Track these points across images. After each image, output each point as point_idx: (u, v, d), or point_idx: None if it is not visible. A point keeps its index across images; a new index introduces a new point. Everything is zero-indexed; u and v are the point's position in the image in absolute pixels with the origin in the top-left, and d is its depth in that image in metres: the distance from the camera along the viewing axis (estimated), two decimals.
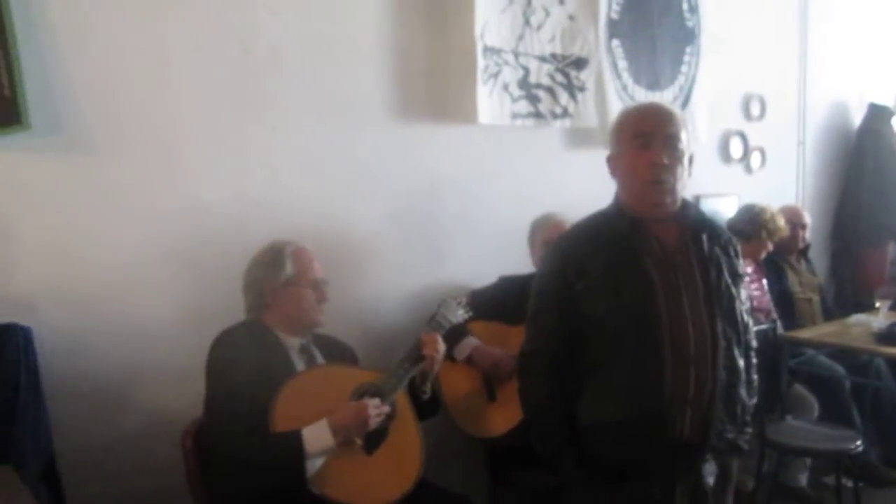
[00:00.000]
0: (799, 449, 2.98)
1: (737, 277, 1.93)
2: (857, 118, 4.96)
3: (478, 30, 2.86)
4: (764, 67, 4.30)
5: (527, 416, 1.97)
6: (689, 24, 3.70)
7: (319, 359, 2.21)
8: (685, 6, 3.67)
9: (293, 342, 2.16)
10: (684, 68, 3.70)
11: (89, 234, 2.25)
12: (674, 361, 1.78)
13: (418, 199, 2.92)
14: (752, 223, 3.58)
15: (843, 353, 3.61)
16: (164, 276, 2.38)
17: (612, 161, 1.94)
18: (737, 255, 1.96)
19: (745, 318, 1.92)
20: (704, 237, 1.88)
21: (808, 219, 3.97)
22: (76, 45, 2.20)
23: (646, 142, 1.84)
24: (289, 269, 2.12)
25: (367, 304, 2.80)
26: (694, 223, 1.90)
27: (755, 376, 1.98)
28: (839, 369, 3.58)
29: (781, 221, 3.62)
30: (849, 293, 4.73)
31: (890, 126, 4.89)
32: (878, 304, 3.51)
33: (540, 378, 1.91)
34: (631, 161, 1.87)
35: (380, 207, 2.82)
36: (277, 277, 2.11)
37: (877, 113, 4.87)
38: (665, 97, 3.62)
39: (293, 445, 1.87)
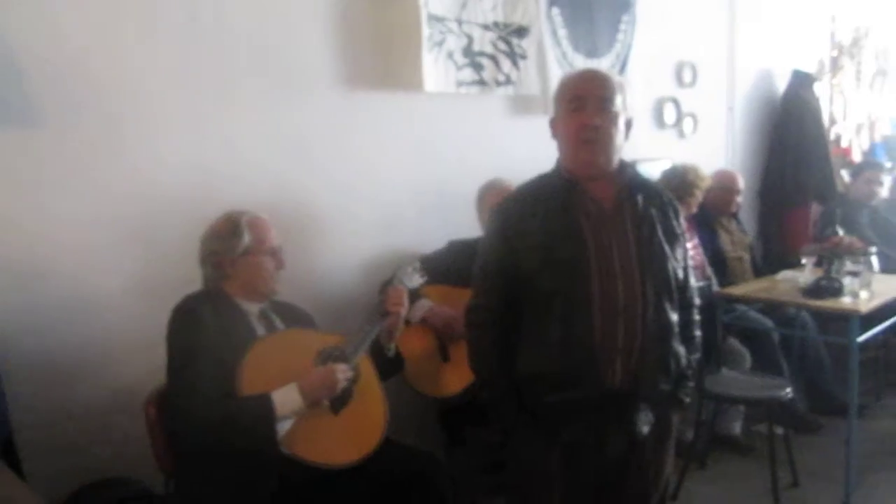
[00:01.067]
0: (734, 398, 3.15)
1: (672, 237, 2.00)
2: (781, 85, 5.18)
3: None
4: (695, 36, 4.45)
5: (472, 365, 2.04)
6: None
7: (279, 324, 2.24)
8: None
9: (252, 308, 2.19)
10: (620, 36, 3.80)
11: (36, 207, 2.23)
12: (602, 313, 1.87)
13: (367, 168, 2.95)
14: (683, 183, 3.72)
15: (772, 308, 3.82)
16: (115, 249, 2.37)
17: (552, 124, 2.01)
18: (676, 216, 2.03)
19: (681, 275, 2.00)
20: (640, 197, 1.96)
21: (742, 184, 4.14)
22: (18, 17, 2.15)
23: (580, 105, 1.91)
24: (246, 238, 2.14)
25: (320, 272, 2.84)
26: (630, 183, 1.97)
27: (697, 332, 2.08)
28: (768, 323, 3.79)
29: (705, 173, 3.78)
30: (775, 251, 4.95)
31: (812, 92, 5.12)
32: (803, 261, 3.70)
33: (484, 330, 1.98)
34: (566, 123, 1.94)
35: (330, 176, 2.85)
36: (235, 247, 2.14)
37: (800, 79, 5.09)
38: (603, 64, 3.72)
39: (264, 408, 1.91)
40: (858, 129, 5.94)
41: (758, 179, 5.13)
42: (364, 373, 2.16)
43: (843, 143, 5.76)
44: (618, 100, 1.93)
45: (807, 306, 3.39)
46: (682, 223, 2.06)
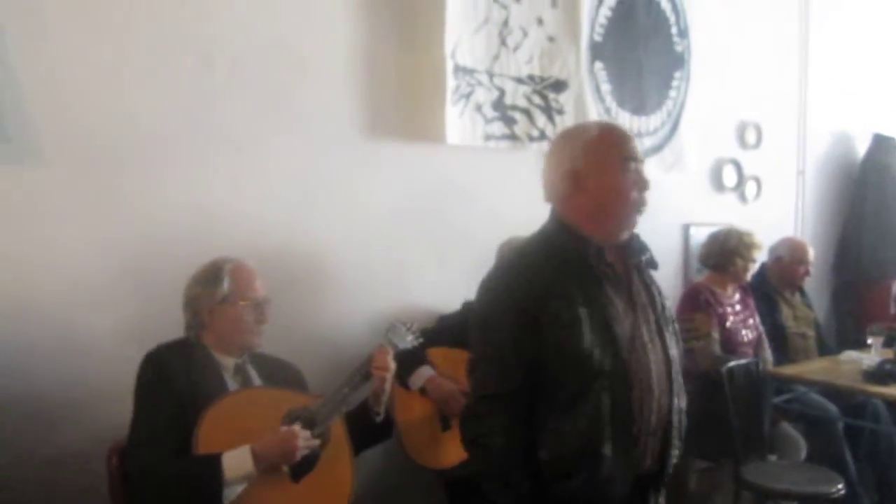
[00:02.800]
0: (773, 491, 2.82)
1: (666, 301, 1.86)
2: (860, 149, 4.84)
3: (448, 49, 2.80)
4: (761, 94, 4.21)
5: (481, 468, 1.72)
6: (679, 48, 3.62)
7: (256, 380, 2.12)
8: (674, 30, 3.59)
9: (228, 362, 2.08)
10: (673, 93, 3.61)
11: (30, 241, 2.18)
12: (640, 392, 1.68)
13: (384, 220, 2.84)
14: (722, 253, 3.45)
15: (836, 392, 3.46)
16: (111, 290, 2.31)
17: (571, 176, 1.73)
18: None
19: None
20: (644, 260, 1.81)
21: (812, 256, 3.82)
22: (27, 52, 2.16)
23: (636, 167, 1.75)
24: (226, 286, 2.05)
25: (325, 328, 2.72)
26: (635, 247, 1.80)
27: None
28: (832, 408, 3.43)
29: (753, 238, 3.47)
30: (850, 330, 4.56)
31: (895, 157, 4.76)
32: (870, 341, 3.36)
33: (497, 425, 1.66)
34: (618, 181, 1.72)
35: (344, 227, 2.75)
36: (213, 295, 2.04)
37: (881, 143, 4.75)
38: (652, 122, 3.54)
39: (212, 470, 1.78)
40: None
41: (832, 251, 4.77)
42: (335, 438, 2.00)
43: None
44: None
45: (867, 392, 3.04)
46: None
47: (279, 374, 2.19)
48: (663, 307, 1.79)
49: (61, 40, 2.21)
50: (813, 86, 4.52)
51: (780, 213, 4.41)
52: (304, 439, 1.87)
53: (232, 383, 2.05)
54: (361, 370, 2.09)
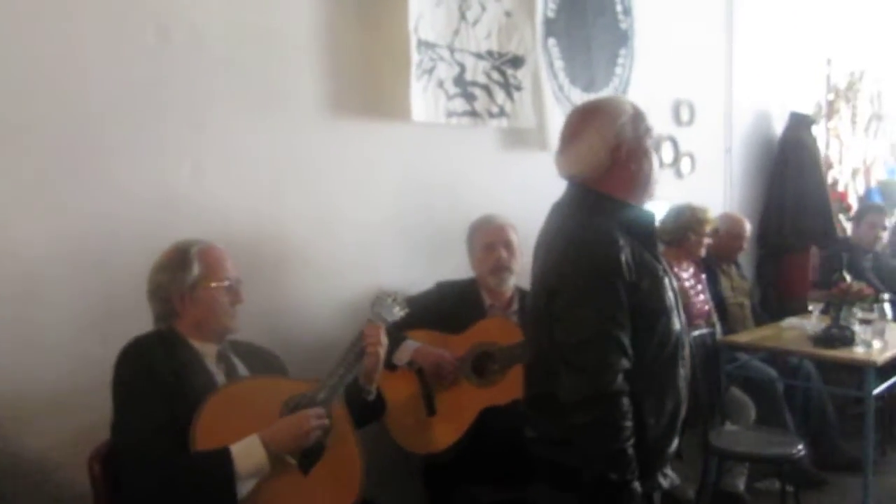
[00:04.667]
0: (743, 455, 2.92)
1: None
2: (779, 126, 5.05)
3: (412, 23, 2.72)
4: (693, 74, 4.32)
5: (611, 445, 1.64)
6: (623, 25, 3.66)
7: (240, 368, 2.00)
8: (619, 7, 3.63)
9: (208, 349, 1.95)
10: (618, 70, 3.65)
11: None
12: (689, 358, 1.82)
13: (349, 201, 2.74)
14: (676, 228, 3.55)
15: (773, 357, 3.62)
16: (68, 280, 2.12)
17: (619, 150, 1.75)
18: None
19: None
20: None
21: (748, 230, 3.98)
22: None
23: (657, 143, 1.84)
24: (195, 270, 1.91)
25: (295, 312, 2.61)
26: None
27: None
28: (772, 372, 3.59)
29: (706, 214, 3.59)
30: (773, 297, 4.78)
31: (811, 134, 5.00)
32: (810, 308, 3.53)
33: (624, 400, 1.64)
34: (650, 159, 1.82)
35: (309, 209, 2.63)
36: (183, 281, 1.90)
37: (798, 121, 4.97)
38: None
39: (221, 464, 1.67)
40: (854, 173, 5.84)
41: (755, 224, 4.97)
42: (337, 422, 1.91)
43: (840, 188, 5.65)
44: None
45: (818, 356, 3.19)
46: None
47: (260, 360, 2.09)
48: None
49: (8, 9, 2.00)
50: (738, 67, 4.67)
51: (710, 188, 4.55)
52: (315, 417, 1.78)
53: (217, 372, 1.93)
54: (354, 348, 2.00)
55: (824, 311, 3.52)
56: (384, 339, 2.03)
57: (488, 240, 2.71)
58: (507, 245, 2.71)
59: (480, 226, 2.77)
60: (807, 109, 5.19)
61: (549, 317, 1.72)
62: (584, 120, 1.84)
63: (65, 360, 2.11)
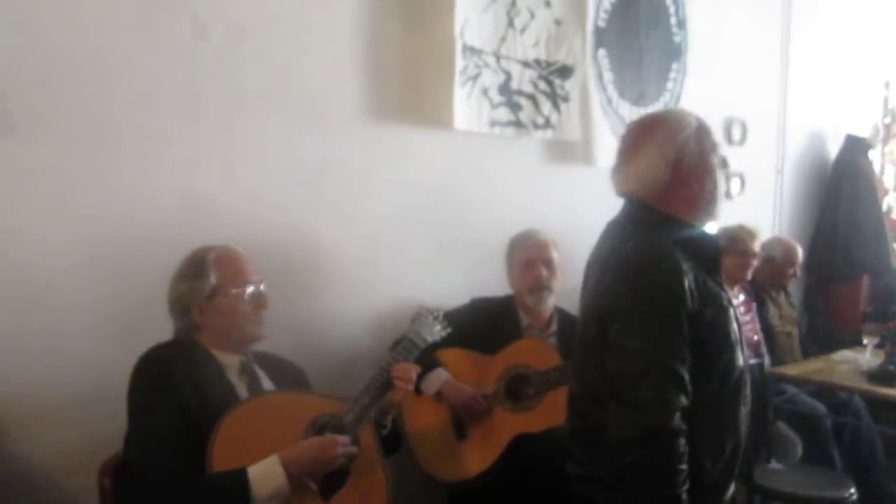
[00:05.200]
0: (791, 496, 2.73)
1: None
2: (833, 149, 4.85)
3: (458, 27, 2.61)
4: (746, 91, 4.14)
5: (666, 488, 1.51)
6: (677, 38, 3.51)
7: (265, 381, 1.90)
8: (673, 20, 3.48)
9: (231, 360, 1.85)
10: (670, 85, 3.50)
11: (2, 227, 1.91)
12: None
13: (386, 210, 2.63)
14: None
15: (821, 391, 3.43)
16: (90, 287, 2.04)
17: (681, 167, 1.65)
18: None
19: None
20: None
21: (801, 256, 3.81)
22: None
23: (722, 157, 1.75)
24: (213, 278, 1.81)
25: (322, 322, 2.50)
26: None
27: None
28: (821, 408, 3.40)
29: (740, 233, 3.43)
30: (821, 328, 4.57)
31: (867, 158, 4.79)
32: (865, 342, 3.34)
33: (681, 441, 1.51)
34: (716, 173, 1.72)
35: (343, 216, 2.52)
36: (201, 290, 1.80)
37: (854, 144, 4.75)
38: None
39: (238, 487, 1.55)
40: None
41: (804, 249, 4.77)
42: (365, 448, 1.79)
43: (894, 215, 5.42)
44: None
45: (873, 393, 2.99)
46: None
47: (286, 374, 1.98)
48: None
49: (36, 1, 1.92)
50: (792, 86, 4.49)
51: (760, 210, 4.36)
52: (343, 446, 1.67)
53: (239, 385, 1.82)
54: (382, 376, 1.88)
55: (879, 346, 3.32)
56: (414, 376, 1.91)
57: (528, 256, 2.58)
58: (548, 263, 2.57)
59: (521, 241, 2.64)
60: (863, 133, 4.97)
61: (600, 344, 1.58)
62: (643, 133, 1.72)
63: (86, 368, 2.02)
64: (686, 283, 1.53)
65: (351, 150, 2.52)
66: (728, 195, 4.05)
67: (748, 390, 1.68)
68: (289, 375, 1.97)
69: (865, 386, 2.96)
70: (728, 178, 4.00)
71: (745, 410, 1.66)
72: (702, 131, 1.71)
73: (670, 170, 1.64)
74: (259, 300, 1.87)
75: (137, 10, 2.07)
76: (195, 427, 1.64)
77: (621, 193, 1.74)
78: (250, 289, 1.85)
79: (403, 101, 2.62)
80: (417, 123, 2.66)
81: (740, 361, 1.64)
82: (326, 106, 2.46)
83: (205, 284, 1.81)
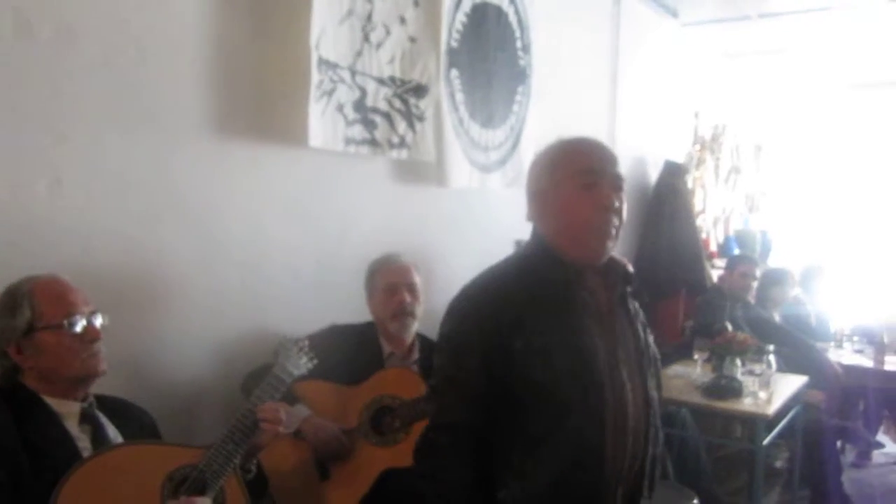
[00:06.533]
0: None
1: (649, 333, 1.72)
2: (654, 174, 5.17)
3: (314, 38, 2.46)
4: (579, 117, 4.31)
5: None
6: (522, 62, 3.57)
7: (110, 430, 1.66)
8: (519, 44, 3.54)
9: (69, 408, 1.61)
10: (516, 108, 3.55)
11: None
12: (614, 434, 1.52)
13: (234, 231, 2.43)
14: None
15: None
16: None
17: (538, 197, 1.63)
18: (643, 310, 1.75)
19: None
20: (629, 290, 1.65)
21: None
22: None
23: (594, 180, 1.57)
24: (27, 312, 1.58)
25: (165, 356, 2.24)
26: (618, 274, 1.65)
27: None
28: None
29: None
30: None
31: (683, 181, 5.15)
32: (696, 357, 3.54)
33: (458, 458, 1.52)
34: (575, 201, 1.57)
35: (187, 238, 2.29)
36: (15, 327, 1.57)
37: (672, 169, 5.10)
38: (498, 136, 3.44)
39: None
40: (715, 222, 6.10)
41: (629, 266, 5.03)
42: (231, 500, 1.61)
43: (703, 235, 5.87)
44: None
45: (709, 408, 3.17)
46: None
47: (131, 419, 1.77)
48: (647, 344, 1.65)
49: None
50: (620, 113, 4.74)
51: None
52: None
53: (81, 437, 1.58)
54: (245, 420, 1.70)
55: (707, 360, 3.54)
56: (283, 416, 1.76)
57: (390, 280, 2.48)
58: (411, 288, 2.49)
59: (382, 265, 2.54)
60: (679, 158, 5.35)
61: None
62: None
63: None
64: (491, 314, 1.56)
65: (196, 166, 2.30)
66: None
67: (578, 434, 1.61)
68: (136, 421, 1.75)
69: (701, 400, 3.12)
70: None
71: (564, 451, 1.61)
72: (553, 160, 1.68)
73: (532, 200, 1.68)
74: (90, 331, 1.65)
75: None
76: (27, 491, 1.39)
77: None
78: (78, 321, 1.61)
79: (254, 114, 2.43)
80: (268, 139, 2.48)
81: (563, 397, 1.58)
82: (169, 118, 2.22)
83: (18, 320, 1.58)
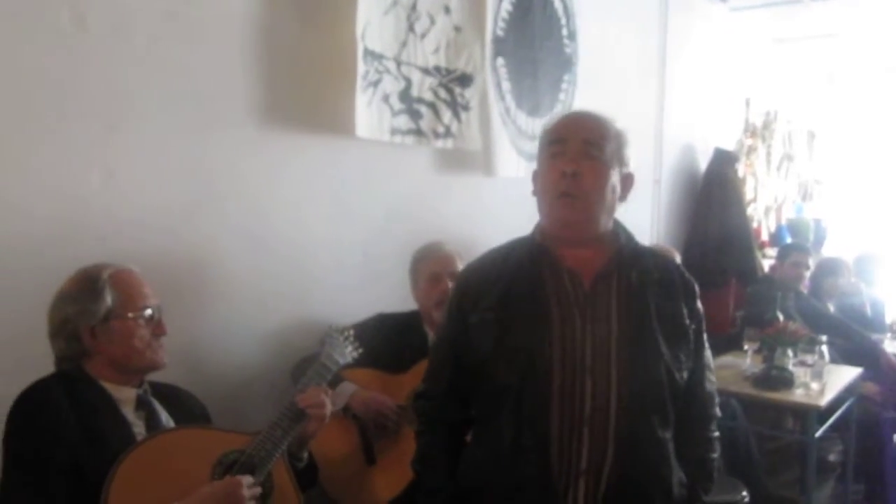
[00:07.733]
0: None
1: (676, 329, 1.59)
2: (703, 161, 5.08)
3: (359, 29, 2.48)
4: (628, 104, 4.24)
5: (414, 465, 1.74)
6: (568, 50, 3.54)
7: (163, 415, 1.70)
8: (565, 31, 3.51)
9: (126, 394, 1.65)
10: (562, 96, 3.53)
11: None
12: (562, 420, 1.49)
13: (280, 220, 2.46)
14: None
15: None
16: None
17: (534, 178, 1.67)
18: (689, 302, 1.66)
19: (680, 379, 1.56)
20: (634, 274, 1.58)
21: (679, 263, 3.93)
22: None
23: (560, 149, 1.56)
24: (108, 299, 1.62)
25: (214, 344, 2.29)
26: (622, 255, 1.60)
27: (709, 454, 1.67)
28: None
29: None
30: None
31: (734, 169, 5.05)
32: (746, 347, 3.48)
33: (431, 424, 1.70)
34: (543, 172, 1.60)
35: (236, 227, 2.33)
36: (94, 312, 1.60)
37: (722, 157, 5.01)
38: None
39: None
40: (767, 210, 5.97)
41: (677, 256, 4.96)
42: (280, 485, 1.64)
43: (754, 225, 5.75)
44: (609, 147, 1.58)
45: (759, 399, 3.12)
46: (700, 311, 1.69)
47: (183, 405, 1.80)
48: (641, 333, 1.54)
49: None
50: (668, 101, 4.67)
51: (639, 220, 4.49)
52: (247, 487, 1.50)
53: (136, 422, 1.62)
54: (293, 408, 1.73)
55: (757, 351, 3.48)
56: (328, 402, 1.78)
57: (435, 270, 2.49)
58: (454, 276, 2.49)
59: (426, 254, 2.55)
60: (729, 146, 5.25)
61: None
62: None
63: None
64: (462, 289, 1.73)
65: (243, 156, 2.33)
66: None
67: (518, 411, 1.63)
68: (187, 407, 1.78)
69: (751, 390, 3.07)
70: None
71: (500, 433, 1.67)
72: (542, 133, 1.72)
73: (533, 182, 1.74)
74: (159, 326, 1.70)
75: None
76: (86, 474, 1.44)
77: None
78: (149, 313, 1.66)
79: (300, 105, 2.46)
80: (314, 129, 2.51)
81: (502, 375, 1.64)
82: (216, 108, 2.26)
83: (99, 306, 1.61)
